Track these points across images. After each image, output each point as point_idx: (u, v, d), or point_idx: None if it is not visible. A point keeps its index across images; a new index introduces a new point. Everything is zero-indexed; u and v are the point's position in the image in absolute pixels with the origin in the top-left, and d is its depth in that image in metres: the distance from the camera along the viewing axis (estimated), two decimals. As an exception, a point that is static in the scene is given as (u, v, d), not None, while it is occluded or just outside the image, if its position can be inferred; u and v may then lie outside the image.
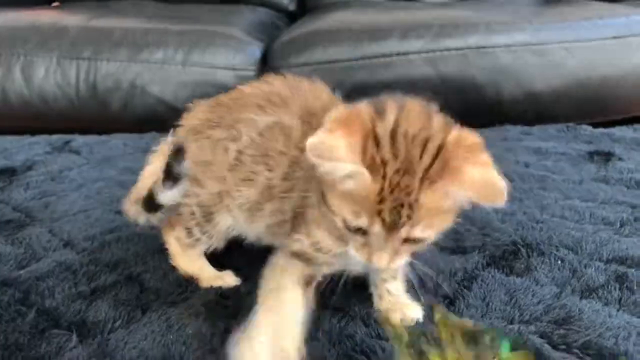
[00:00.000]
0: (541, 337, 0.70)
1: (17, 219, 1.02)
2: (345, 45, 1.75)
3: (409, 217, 0.59)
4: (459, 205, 0.62)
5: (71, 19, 1.95)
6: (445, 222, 0.63)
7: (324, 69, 1.73)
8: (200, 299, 0.80)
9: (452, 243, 0.93)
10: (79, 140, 1.40)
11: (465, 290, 0.81)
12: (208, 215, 0.83)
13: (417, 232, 0.60)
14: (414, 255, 0.68)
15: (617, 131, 1.49)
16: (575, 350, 0.68)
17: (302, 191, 0.72)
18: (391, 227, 0.60)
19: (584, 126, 1.54)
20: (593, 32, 1.76)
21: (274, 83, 0.82)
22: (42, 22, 1.89)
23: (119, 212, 1.04)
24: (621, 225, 0.99)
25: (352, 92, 1.72)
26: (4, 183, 1.18)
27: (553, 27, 1.78)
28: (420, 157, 0.59)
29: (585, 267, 0.86)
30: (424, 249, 0.65)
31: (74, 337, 0.72)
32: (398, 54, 1.73)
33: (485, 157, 0.60)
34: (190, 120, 0.86)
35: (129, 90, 1.72)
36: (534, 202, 1.09)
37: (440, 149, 0.59)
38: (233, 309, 0.77)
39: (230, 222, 0.83)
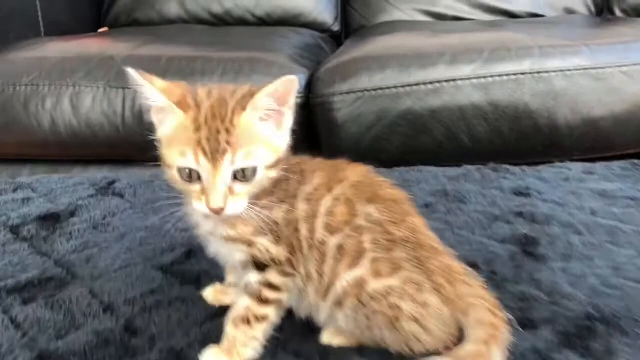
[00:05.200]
0: None
1: (58, 276, 1.01)
2: (391, 72, 1.70)
3: (228, 143, 0.68)
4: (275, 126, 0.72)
5: (118, 47, 1.96)
6: (265, 152, 0.71)
7: (370, 96, 1.69)
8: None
9: (519, 314, 0.86)
10: (123, 181, 1.39)
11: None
12: None
13: (240, 161, 0.69)
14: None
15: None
16: None
17: None
18: (215, 157, 0.68)
19: (653, 163, 1.45)
20: (653, 54, 1.67)
21: None
22: (90, 52, 1.91)
23: (161, 268, 1.03)
24: None
25: (398, 119, 1.70)
26: (48, 232, 1.17)
27: (610, 49, 1.70)
28: (232, 95, 0.72)
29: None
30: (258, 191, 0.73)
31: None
32: (447, 80, 1.68)
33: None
34: None
35: (174, 119, 1.72)
36: (606, 261, 1.01)
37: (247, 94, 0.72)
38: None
39: None
